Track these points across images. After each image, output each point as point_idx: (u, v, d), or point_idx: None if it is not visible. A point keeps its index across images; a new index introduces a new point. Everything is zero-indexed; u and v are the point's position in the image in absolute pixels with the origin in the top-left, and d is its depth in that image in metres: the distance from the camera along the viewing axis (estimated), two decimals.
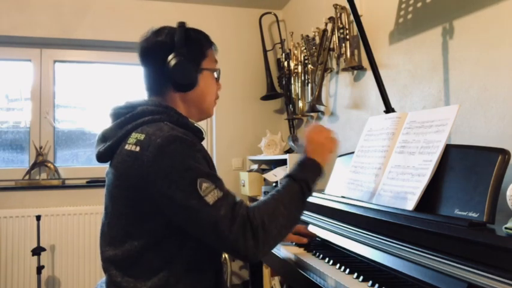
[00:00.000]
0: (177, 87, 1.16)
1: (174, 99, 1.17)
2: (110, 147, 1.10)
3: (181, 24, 1.18)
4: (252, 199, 3.12)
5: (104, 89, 3.28)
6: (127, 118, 1.11)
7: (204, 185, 0.98)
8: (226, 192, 1.01)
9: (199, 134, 1.17)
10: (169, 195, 0.98)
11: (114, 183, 1.08)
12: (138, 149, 1.03)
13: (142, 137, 1.04)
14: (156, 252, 1.05)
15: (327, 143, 1.22)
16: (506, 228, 0.87)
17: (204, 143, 1.19)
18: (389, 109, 1.56)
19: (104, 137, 1.15)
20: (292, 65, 2.98)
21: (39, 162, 3.02)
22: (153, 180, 1.00)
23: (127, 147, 1.06)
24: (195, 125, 1.19)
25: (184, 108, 1.19)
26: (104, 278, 1.15)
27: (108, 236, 1.11)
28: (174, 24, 1.21)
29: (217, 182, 1.01)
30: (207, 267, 1.11)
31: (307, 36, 2.74)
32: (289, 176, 1.12)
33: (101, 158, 1.14)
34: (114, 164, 1.09)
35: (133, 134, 1.07)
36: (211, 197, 0.97)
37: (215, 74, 1.25)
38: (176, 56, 1.13)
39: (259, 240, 0.98)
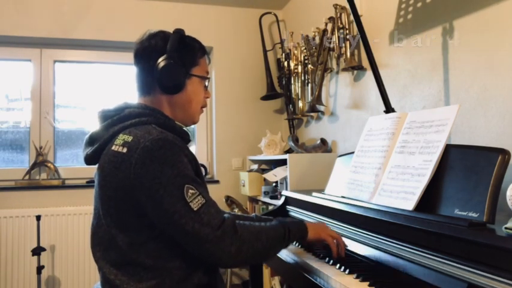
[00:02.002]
0: (164, 89, 1.17)
1: (160, 101, 1.19)
2: (97, 149, 1.12)
3: (178, 31, 1.21)
4: (252, 199, 3.13)
5: (104, 89, 3.28)
6: (114, 120, 1.13)
7: (190, 191, 1.02)
8: (208, 199, 1.06)
9: (185, 137, 1.19)
10: (157, 199, 1.01)
11: (101, 183, 1.10)
12: (125, 150, 1.05)
13: (130, 138, 1.06)
14: (144, 253, 1.06)
15: (327, 230, 1.28)
16: (506, 228, 0.87)
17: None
18: (389, 109, 1.56)
19: (92, 140, 1.17)
20: (292, 65, 2.98)
21: (39, 162, 3.02)
22: (141, 182, 1.01)
23: (113, 148, 1.08)
24: (182, 127, 1.21)
25: (170, 111, 1.21)
26: None
27: (97, 236, 1.13)
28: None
29: (200, 189, 1.05)
30: (201, 265, 1.11)
31: (307, 36, 2.74)
32: (279, 220, 1.19)
33: (89, 160, 1.16)
34: (101, 164, 1.11)
35: (120, 135, 1.09)
36: (195, 203, 1.02)
37: (205, 83, 1.27)
38: (166, 59, 1.15)
39: (239, 249, 1.04)
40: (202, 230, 1.00)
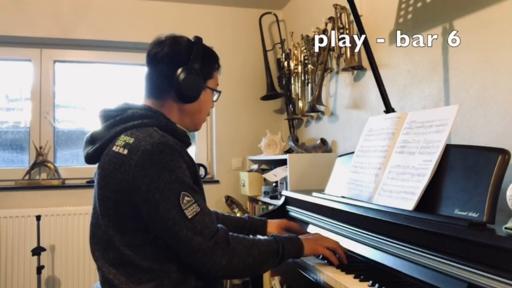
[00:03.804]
0: (181, 98, 1.18)
1: (171, 106, 1.20)
2: (98, 149, 1.12)
3: (199, 40, 1.21)
4: (252, 199, 3.12)
5: (104, 89, 3.28)
6: (116, 121, 1.13)
7: (186, 198, 1.02)
8: (203, 208, 1.05)
9: (186, 140, 1.20)
10: (153, 203, 1.01)
11: (100, 183, 1.10)
12: (125, 151, 1.05)
13: (131, 140, 1.06)
14: (141, 255, 1.06)
15: (324, 242, 1.25)
16: (506, 228, 0.87)
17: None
18: (389, 109, 1.56)
19: (93, 139, 1.17)
20: (292, 65, 2.98)
21: (39, 162, 3.02)
22: (139, 185, 1.02)
23: (114, 148, 1.07)
24: (183, 131, 1.22)
25: (177, 117, 1.21)
26: None
27: (96, 236, 1.13)
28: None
29: (196, 197, 1.05)
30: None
31: (307, 36, 2.74)
32: (274, 236, 1.18)
33: (90, 159, 1.16)
34: (101, 164, 1.11)
35: (121, 136, 1.09)
36: (190, 211, 1.02)
37: (215, 95, 1.29)
38: (189, 69, 1.16)
39: (230, 262, 1.03)
40: (195, 239, 1.00)
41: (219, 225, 1.08)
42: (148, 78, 1.21)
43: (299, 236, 1.23)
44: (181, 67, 1.15)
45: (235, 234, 1.10)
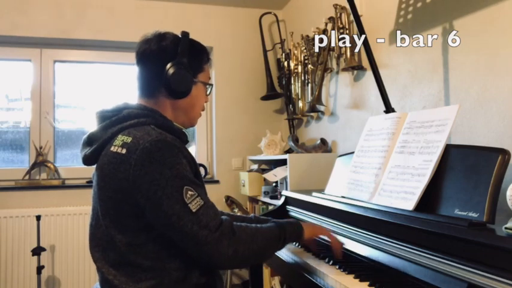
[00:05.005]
0: (172, 94, 1.18)
1: (164, 103, 1.20)
2: (96, 150, 1.12)
3: (186, 34, 1.20)
4: (252, 199, 3.13)
5: (104, 89, 3.28)
6: (112, 121, 1.13)
7: (189, 193, 1.02)
8: (206, 201, 1.06)
9: (183, 137, 1.20)
10: (155, 201, 1.01)
11: (99, 184, 1.10)
12: (124, 151, 1.05)
13: (129, 139, 1.06)
14: (142, 253, 1.06)
15: (323, 229, 1.33)
16: (506, 228, 0.87)
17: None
18: (389, 109, 1.56)
19: (90, 140, 1.17)
20: (292, 65, 2.98)
21: (39, 162, 3.02)
22: (140, 184, 1.02)
23: (112, 149, 1.07)
24: (180, 128, 1.22)
25: (172, 114, 1.21)
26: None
27: (95, 237, 1.13)
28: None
29: (199, 190, 1.05)
30: (200, 264, 1.11)
31: (307, 36, 2.74)
32: (275, 222, 1.20)
33: (88, 161, 1.16)
34: (100, 165, 1.11)
35: (119, 136, 1.09)
36: (194, 205, 1.02)
37: (207, 89, 1.28)
38: (177, 64, 1.15)
39: (236, 251, 1.04)
40: (201, 232, 1.00)
41: (222, 216, 1.08)
42: (139, 78, 1.21)
43: (299, 222, 1.26)
44: (170, 63, 1.15)
45: (238, 223, 1.11)
